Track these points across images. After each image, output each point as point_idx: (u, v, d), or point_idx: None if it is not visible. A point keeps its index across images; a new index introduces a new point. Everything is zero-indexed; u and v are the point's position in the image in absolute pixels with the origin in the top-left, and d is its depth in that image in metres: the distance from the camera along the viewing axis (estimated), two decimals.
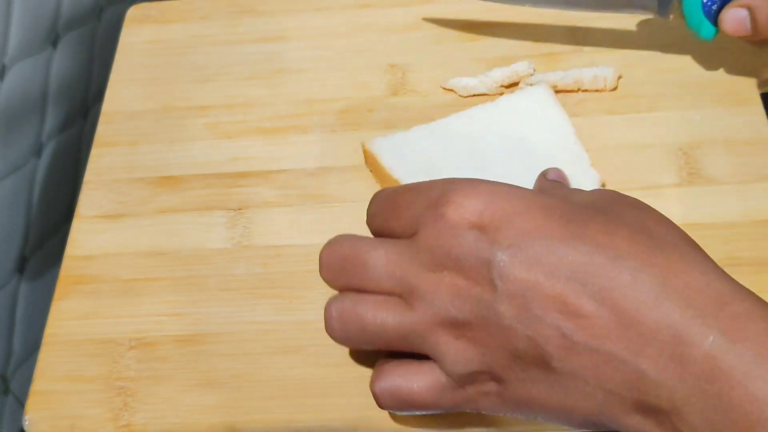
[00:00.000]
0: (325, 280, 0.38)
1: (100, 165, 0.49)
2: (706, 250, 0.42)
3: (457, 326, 0.33)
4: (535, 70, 0.49)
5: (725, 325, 0.28)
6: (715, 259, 0.41)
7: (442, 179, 0.35)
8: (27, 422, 0.41)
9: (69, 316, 0.44)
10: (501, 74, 0.48)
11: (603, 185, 0.44)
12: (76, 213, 0.47)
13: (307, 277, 0.43)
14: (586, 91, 0.48)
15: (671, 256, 0.31)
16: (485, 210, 0.32)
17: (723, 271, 0.31)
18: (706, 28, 0.43)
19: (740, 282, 0.36)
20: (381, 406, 0.36)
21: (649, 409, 0.29)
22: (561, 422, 0.33)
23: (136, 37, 0.55)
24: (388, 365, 0.36)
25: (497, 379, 0.33)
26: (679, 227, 0.33)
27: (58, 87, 0.58)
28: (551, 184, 0.40)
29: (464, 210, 0.33)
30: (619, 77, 0.48)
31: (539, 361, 0.31)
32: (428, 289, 0.33)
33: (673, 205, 0.43)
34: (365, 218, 0.38)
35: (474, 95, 0.49)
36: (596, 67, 0.48)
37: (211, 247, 0.45)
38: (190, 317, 0.43)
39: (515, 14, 0.52)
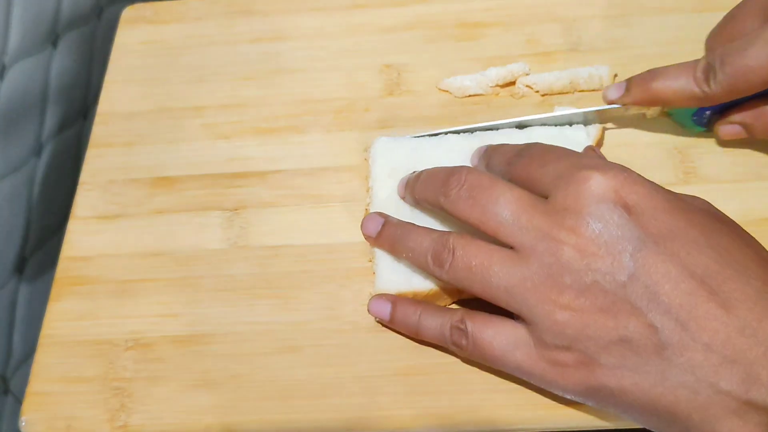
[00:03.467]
0: (413, 191, 0.41)
1: (96, 166, 0.49)
2: None
3: (566, 293, 0.33)
4: (530, 70, 0.49)
5: None
6: None
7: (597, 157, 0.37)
8: (24, 423, 0.41)
9: (65, 317, 0.44)
10: (496, 74, 0.48)
11: None
12: (71, 214, 0.47)
13: (304, 277, 0.43)
14: (581, 91, 0.48)
15: None
16: (632, 194, 0.34)
17: None
18: (699, 129, 0.45)
19: None
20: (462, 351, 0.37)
21: (759, 408, 0.30)
22: (633, 415, 0.33)
23: (131, 38, 0.55)
24: (479, 316, 0.37)
25: (586, 360, 0.33)
26: None
27: (58, 87, 0.58)
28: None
29: (613, 184, 0.34)
30: (615, 76, 0.48)
31: (648, 349, 0.32)
32: (549, 248, 0.34)
33: None
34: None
35: (469, 95, 0.49)
36: (592, 66, 0.48)
37: (208, 248, 0.45)
38: (187, 318, 0.43)
39: (511, 14, 0.52)
